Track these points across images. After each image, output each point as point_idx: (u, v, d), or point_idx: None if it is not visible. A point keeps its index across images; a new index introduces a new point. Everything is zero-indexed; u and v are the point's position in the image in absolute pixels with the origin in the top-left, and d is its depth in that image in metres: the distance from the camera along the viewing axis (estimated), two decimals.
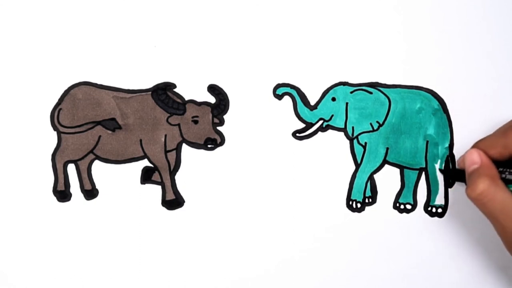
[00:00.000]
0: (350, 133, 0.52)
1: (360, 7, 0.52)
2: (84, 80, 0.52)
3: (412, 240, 0.52)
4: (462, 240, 0.52)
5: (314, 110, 0.52)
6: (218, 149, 0.52)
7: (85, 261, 0.52)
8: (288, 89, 0.52)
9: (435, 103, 0.51)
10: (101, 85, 0.52)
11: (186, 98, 0.52)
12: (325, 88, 0.52)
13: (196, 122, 0.52)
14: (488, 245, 0.52)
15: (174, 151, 0.52)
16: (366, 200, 0.52)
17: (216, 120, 0.52)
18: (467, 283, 0.52)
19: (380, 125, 0.52)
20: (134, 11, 0.52)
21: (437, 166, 0.51)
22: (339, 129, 0.52)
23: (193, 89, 0.52)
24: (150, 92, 0.52)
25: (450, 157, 0.52)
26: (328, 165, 0.52)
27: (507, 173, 0.44)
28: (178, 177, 0.52)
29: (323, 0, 0.52)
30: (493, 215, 0.42)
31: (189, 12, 0.52)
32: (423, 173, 0.52)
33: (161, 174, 0.52)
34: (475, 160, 0.45)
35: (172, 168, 0.52)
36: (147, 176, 0.52)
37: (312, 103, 0.52)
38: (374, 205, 0.52)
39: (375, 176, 0.52)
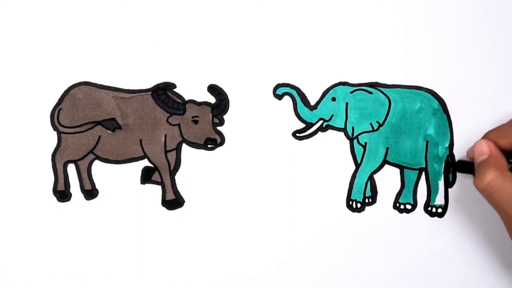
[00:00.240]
0: (350, 133, 0.52)
1: (360, 7, 0.52)
2: (84, 80, 0.52)
3: (412, 240, 0.52)
4: (462, 240, 0.52)
5: (314, 110, 0.52)
6: (218, 149, 0.52)
7: (85, 261, 0.52)
8: (288, 89, 0.52)
9: (435, 103, 0.51)
10: (101, 85, 0.52)
11: (186, 98, 0.52)
12: (325, 88, 0.52)
13: (196, 122, 0.52)
14: (488, 245, 0.52)
15: (174, 151, 0.52)
16: (366, 200, 0.52)
17: (216, 120, 0.52)
18: (467, 283, 0.52)
19: (380, 125, 0.52)
20: (134, 11, 0.52)
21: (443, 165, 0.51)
22: (339, 129, 0.52)
23: (193, 89, 0.52)
24: (150, 92, 0.52)
25: (450, 157, 0.52)
26: (328, 165, 0.52)
27: None
28: (178, 177, 0.52)
29: (323, 0, 0.52)
30: (500, 206, 0.42)
31: (189, 12, 0.52)
32: (423, 173, 0.52)
33: (161, 174, 0.52)
34: (484, 150, 0.45)
35: (172, 168, 0.52)
36: (147, 176, 0.52)
37: (312, 103, 0.52)
38: (374, 205, 0.52)
39: (375, 176, 0.52)
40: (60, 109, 0.51)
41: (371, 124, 0.52)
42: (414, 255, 0.52)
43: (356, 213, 0.52)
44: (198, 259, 0.52)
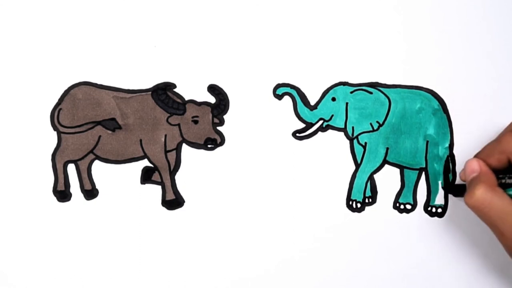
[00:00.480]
0: (350, 133, 0.52)
1: (360, 7, 0.52)
2: (84, 80, 0.52)
3: (412, 240, 0.52)
4: (462, 240, 0.52)
5: (314, 110, 0.52)
6: (218, 149, 0.52)
7: (85, 261, 0.52)
8: (288, 89, 0.52)
9: (435, 103, 0.51)
10: (101, 85, 0.52)
11: (186, 98, 0.52)
12: (325, 88, 0.52)
13: (196, 122, 0.52)
14: (488, 245, 0.52)
15: (174, 151, 0.52)
16: (366, 200, 0.52)
17: (216, 120, 0.52)
18: (467, 283, 0.52)
19: (380, 125, 0.52)
20: (134, 11, 0.52)
21: (440, 183, 0.52)
22: (339, 129, 0.52)
23: (193, 89, 0.52)
24: (150, 92, 0.52)
25: (450, 157, 0.52)
26: (328, 165, 0.52)
27: (506, 178, 0.44)
28: (178, 177, 0.52)
29: (323, 0, 0.52)
30: (492, 221, 0.42)
31: (189, 12, 0.52)
32: (423, 173, 0.52)
33: (161, 174, 0.52)
34: (475, 168, 0.45)
35: (172, 168, 0.52)
36: (147, 176, 0.52)
37: (312, 103, 0.52)
38: (374, 205, 0.52)
39: (375, 176, 0.52)
40: (60, 109, 0.51)
41: (371, 124, 0.52)
42: (414, 255, 0.52)
43: (356, 213, 0.52)
44: (198, 259, 0.52)
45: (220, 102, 0.52)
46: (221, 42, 0.52)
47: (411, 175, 0.52)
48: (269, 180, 0.52)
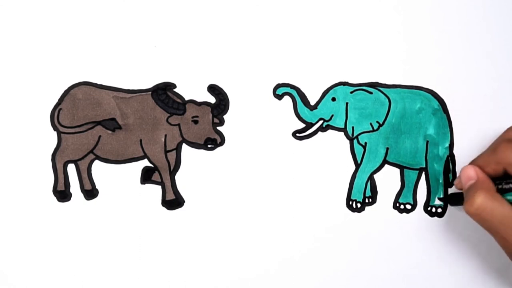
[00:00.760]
0: (350, 133, 0.52)
1: (360, 7, 0.52)
2: (84, 80, 0.52)
3: (412, 240, 0.52)
4: (462, 239, 0.52)
5: (314, 110, 0.52)
6: (218, 149, 0.52)
7: (85, 261, 0.52)
8: (288, 89, 0.52)
9: (435, 103, 0.51)
10: (101, 85, 0.52)
11: (186, 98, 0.52)
12: (325, 88, 0.52)
13: (196, 122, 0.52)
14: (488, 245, 0.52)
15: (174, 151, 0.52)
16: (366, 200, 0.52)
17: (216, 120, 0.52)
18: (467, 283, 0.52)
19: (380, 125, 0.52)
20: (134, 11, 0.52)
21: (436, 198, 0.52)
22: (339, 129, 0.52)
23: (193, 89, 0.52)
24: (150, 92, 0.52)
25: (450, 157, 0.52)
26: (328, 165, 0.52)
27: (503, 183, 0.44)
28: (178, 177, 0.52)
29: (323, 0, 0.52)
30: (493, 228, 0.42)
31: (189, 12, 0.52)
32: (423, 173, 0.52)
33: (161, 174, 0.52)
34: (472, 175, 0.44)
35: (172, 168, 0.52)
36: (147, 176, 0.52)
37: (312, 103, 0.52)
38: (374, 205, 0.52)
39: (375, 176, 0.52)
40: (60, 109, 0.51)
41: (371, 124, 0.52)
42: (414, 255, 0.52)
43: (356, 213, 0.52)
44: (198, 259, 0.52)
45: (220, 102, 0.52)
46: (221, 42, 0.52)
47: (411, 175, 0.52)
48: (269, 180, 0.52)
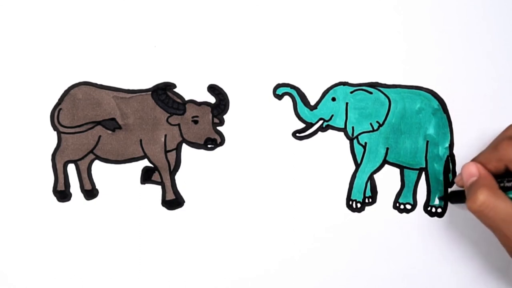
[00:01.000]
0: (350, 133, 0.52)
1: (360, 7, 0.52)
2: (84, 80, 0.52)
3: (412, 240, 0.52)
4: (462, 239, 0.52)
5: (314, 110, 0.52)
6: (218, 149, 0.52)
7: (85, 261, 0.52)
8: (288, 89, 0.52)
9: (435, 103, 0.51)
10: (101, 85, 0.52)
11: (186, 98, 0.52)
12: (325, 88, 0.52)
13: (196, 122, 0.52)
14: (488, 245, 0.52)
15: (174, 151, 0.52)
16: (366, 200, 0.52)
17: (216, 120, 0.52)
18: (467, 283, 0.52)
19: (380, 125, 0.52)
20: (134, 11, 0.52)
21: (436, 197, 0.52)
22: (339, 129, 0.52)
23: (193, 89, 0.52)
24: (150, 92, 0.52)
25: (450, 157, 0.52)
26: (328, 165, 0.52)
27: (505, 181, 0.44)
28: (178, 177, 0.52)
29: (323, 0, 0.52)
30: (496, 225, 0.42)
31: (189, 12, 0.52)
32: (423, 173, 0.52)
33: (161, 174, 0.52)
34: (473, 172, 0.44)
35: (172, 168, 0.52)
36: (147, 176, 0.52)
37: (312, 103, 0.52)
38: (374, 205, 0.52)
39: (375, 176, 0.52)
40: (60, 109, 0.51)
41: (371, 124, 0.52)
42: (414, 255, 0.52)
43: (356, 213, 0.52)
44: (198, 259, 0.52)
45: (220, 102, 0.52)
46: (221, 42, 0.52)
47: (411, 175, 0.52)
48: (269, 180, 0.52)
